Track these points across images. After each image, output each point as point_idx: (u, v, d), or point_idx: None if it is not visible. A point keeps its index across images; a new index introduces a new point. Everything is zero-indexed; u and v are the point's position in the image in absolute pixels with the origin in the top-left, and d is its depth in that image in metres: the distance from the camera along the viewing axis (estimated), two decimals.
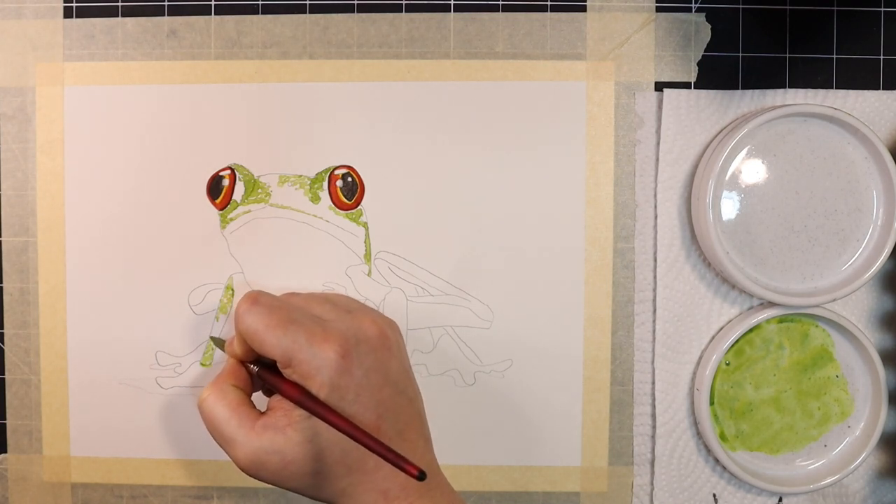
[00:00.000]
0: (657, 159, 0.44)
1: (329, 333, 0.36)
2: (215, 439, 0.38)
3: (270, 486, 0.45)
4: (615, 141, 0.44)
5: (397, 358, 0.38)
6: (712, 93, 0.44)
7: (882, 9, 0.44)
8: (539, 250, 0.44)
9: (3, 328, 0.45)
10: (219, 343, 0.43)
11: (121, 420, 0.45)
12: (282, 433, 0.36)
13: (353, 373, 0.36)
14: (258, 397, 0.40)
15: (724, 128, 0.43)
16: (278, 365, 0.37)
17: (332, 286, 0.44)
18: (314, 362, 0.36)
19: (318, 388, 0.36)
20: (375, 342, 0.38)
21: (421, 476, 0.33)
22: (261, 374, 0.38)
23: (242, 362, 0.39)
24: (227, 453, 0.37)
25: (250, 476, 0.37)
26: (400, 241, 0.44)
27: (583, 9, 0.44)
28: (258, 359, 0.39)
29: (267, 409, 0.37)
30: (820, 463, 0.44)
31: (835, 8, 0.44)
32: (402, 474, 0.35)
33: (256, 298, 0.37)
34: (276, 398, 0.37)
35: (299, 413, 0.36)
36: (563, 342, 0.44)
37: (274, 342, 0.36)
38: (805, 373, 0.44)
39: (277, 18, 0.44)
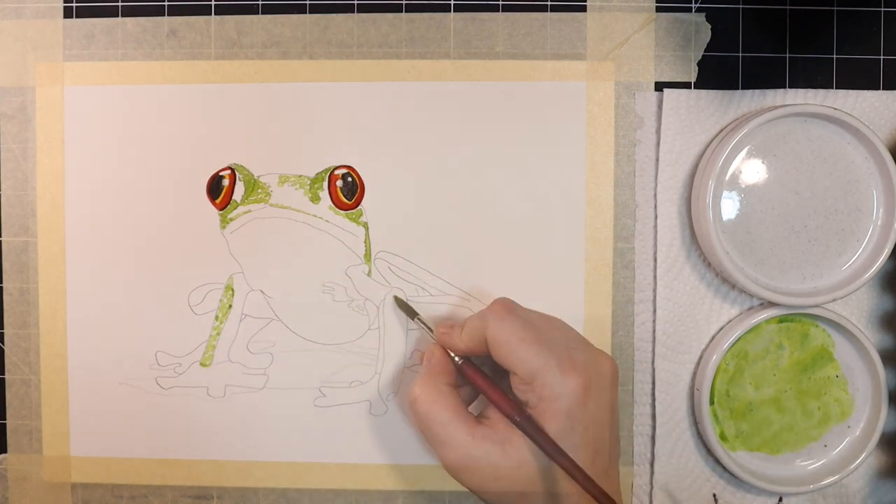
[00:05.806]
0: (657, 159, 0.44)
1: (577, 364, 0.37)
2: (425, 436, 0.38)
3: (270, 486, 0.45)
4: (615, 141, 0.44)
5: (616, 397, 0.39)
6: (712, 93, 0.43)
7: (882, 9, 0.44)
8: (539, 250, 0.44)
9: (3, 328, 0.45)
10: (405, 307, 0.43)
11: (121, 420, 0.45)
12: (500, 447, 0.36)
13: (588, 407, 0.36)
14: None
15: (724, 128, 0.43)
16: (515, 378, 0.37)
17: (333, 286, 0.44)
18: (558, 389, 0.36)
19: (554, 413, 0.36)
20: (609, 379, 0.38)
21: None
22: (463, 368, 0.39)
23: (447, 352, 0.40)
24: (434, 451, 0.38)
25: (452, 476, 0.38)
26: (400, 241, 0.44)
27: (583, 9, 0.44)
28: (465, 352, 0.39)
29: (483, 416, 0.38)
30: (820, 463, 0.44)
31: (835, 8, 0.44)
32: None
33: (512, 308, 0.38)
34: (494, 409, 0.38)
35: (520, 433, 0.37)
36: None
37: (524, 357, 0.36)
38: (805, 373, 0.43)
39: (277, 18, 0.44)
